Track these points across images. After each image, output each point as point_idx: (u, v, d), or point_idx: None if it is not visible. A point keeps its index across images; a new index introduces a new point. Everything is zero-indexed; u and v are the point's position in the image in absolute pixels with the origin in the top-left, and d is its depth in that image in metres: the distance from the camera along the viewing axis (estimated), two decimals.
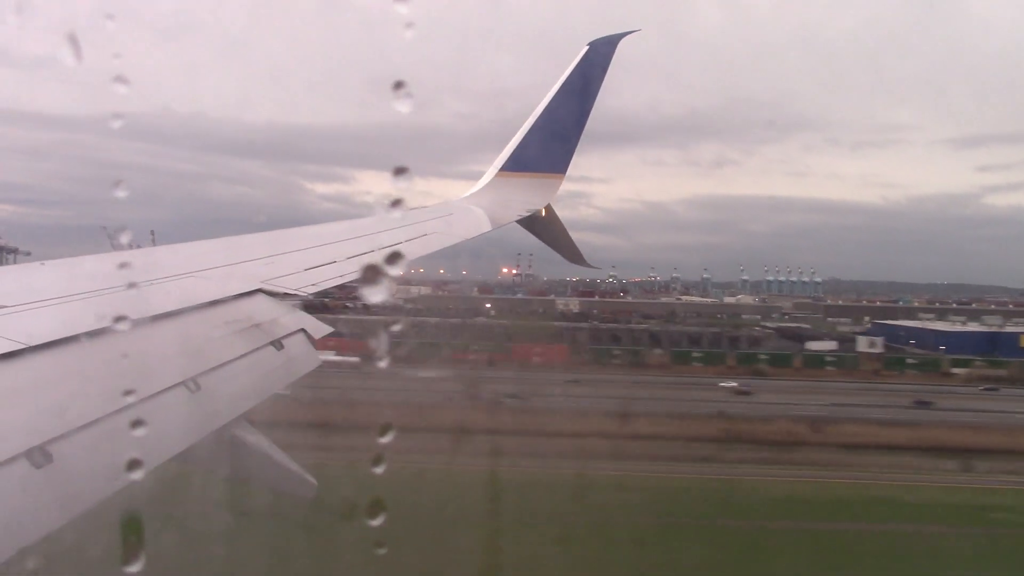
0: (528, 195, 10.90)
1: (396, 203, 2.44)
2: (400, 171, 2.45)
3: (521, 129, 11.18)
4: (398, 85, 2.45)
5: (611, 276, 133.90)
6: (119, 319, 3.65)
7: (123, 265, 4.27)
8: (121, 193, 3.04)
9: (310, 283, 5.73)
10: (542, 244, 11.60)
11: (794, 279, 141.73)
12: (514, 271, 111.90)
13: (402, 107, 2.45)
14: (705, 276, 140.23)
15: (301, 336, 5.00)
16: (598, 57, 11.13)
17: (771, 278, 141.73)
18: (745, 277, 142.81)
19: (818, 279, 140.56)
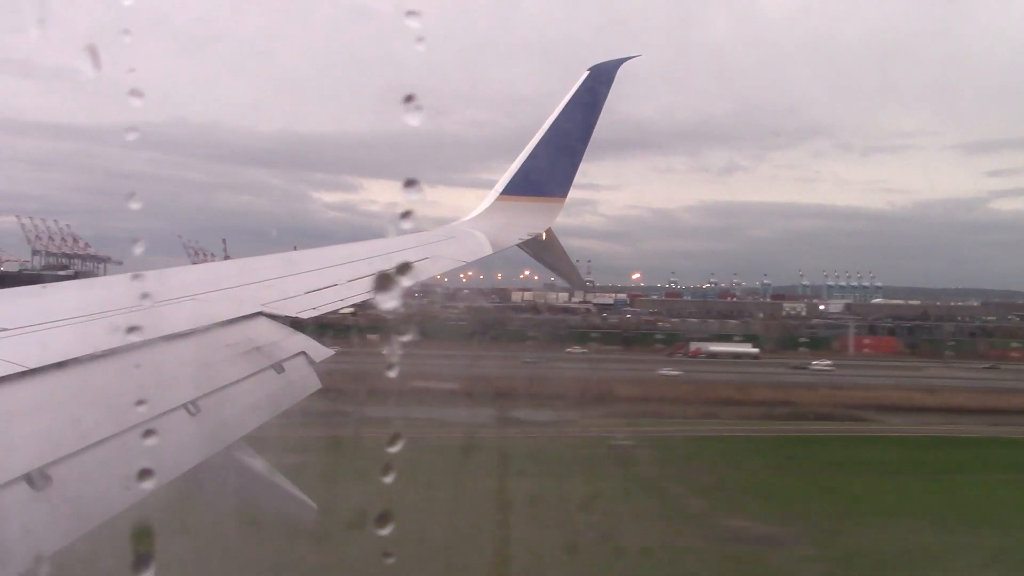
0: (529, 219, 10.95)
1: (406, 215, 2.45)
2: (410, 183, 2.46)
3: (522, 153, 11.25)
4: (408, 99, 2.46)
5: (671, 282, 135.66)
6: (120, 342, 3.66)
7: (125, 287, 4.28)
8: (135, 205, 3.05)
9: (311, 306, 5.75)
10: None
11: (854, 284, 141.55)
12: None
13: (412, 120, 2.46)
14: (766, 282, 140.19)
15: (302, 359, 5.01)
16: (598, 82, 11.22)
17: (831, 283, 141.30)
18: (806, 282, 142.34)
19: (878, 283, 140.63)
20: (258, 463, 4.52)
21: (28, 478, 2.76)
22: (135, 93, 2.84)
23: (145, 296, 4.36)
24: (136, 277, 4.41)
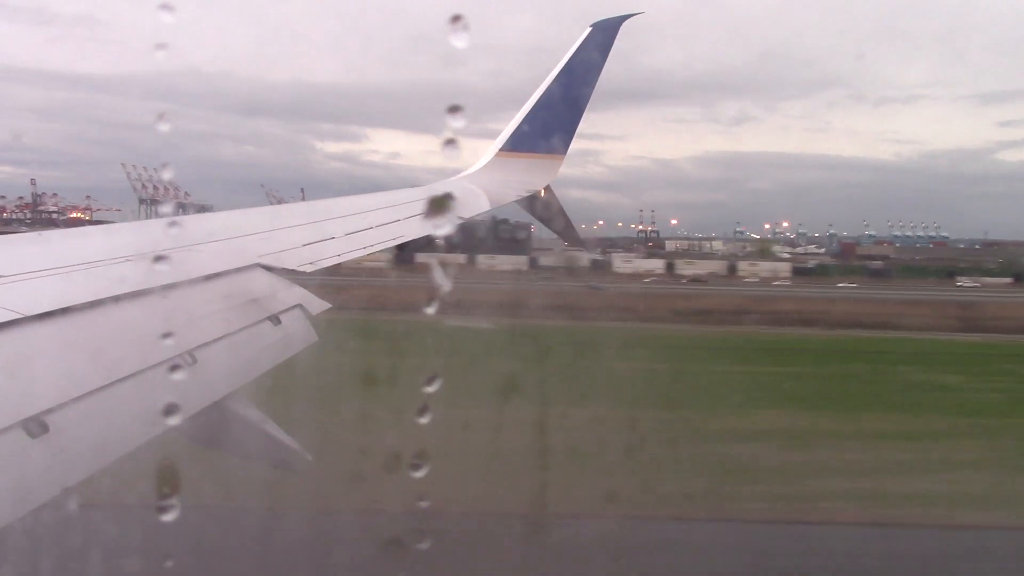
0: (528, 176, 10.90)
1: (450, 142, 2.49)
2: (455, 109, 2.46)
3: (522, 109, 11.15)
4: (455, 18, 2.44)
5: (737, 231, 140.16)
6: (115, 291, 3.65)
7: (124, 236, 4.27)
8: (164, 127, 3.02)
9: (308, 260, 5.75)
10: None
11: (919, 233, 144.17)
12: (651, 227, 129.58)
13: (459, 42, 2.41)
14: (869, 233, 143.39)
15: (298, 311, 5.02)
16: (601, 38, 11.07)
17: (896, 232, 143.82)
18: (871, 232, 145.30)
19: (944, 233, 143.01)
20: (253, 413, 4.55)
21: (25, 425, 2.79)
22: (160, 45, 2.80)
23: (144, 246, 4.36)
24: (136, 227, 4.40)
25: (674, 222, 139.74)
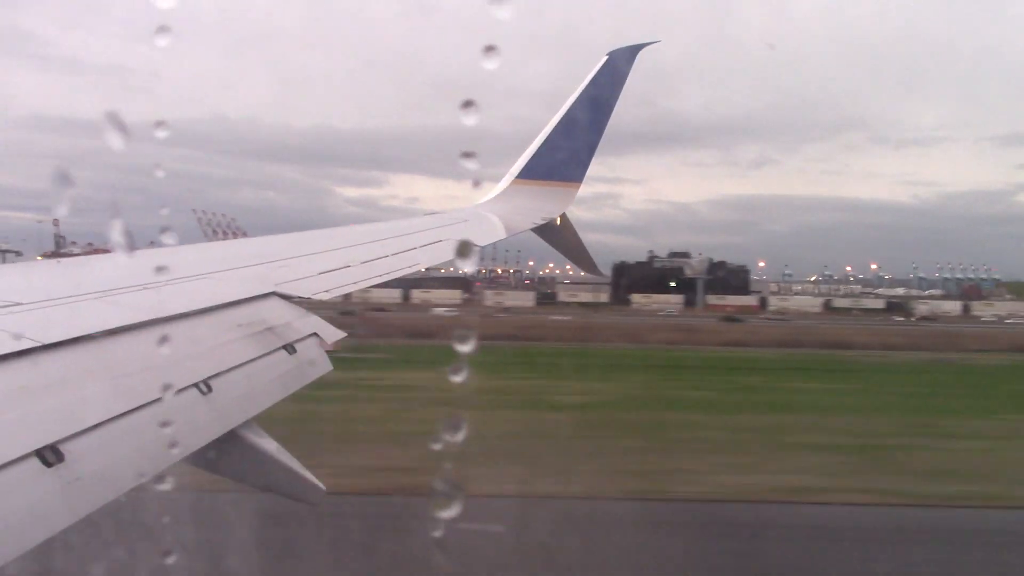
0: (543, 203, 10.89)
1: (468, 154, 2.54)
2: (468, 155, 2.52)
3: (538, 137, 11.18)
4: (467, 104, 2.50)
5: (786, 274, 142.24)
6: (132, 319, 3.65)
7: (140, 264, 4.27)
8: (160, 173, 3.07)
9: (323, 288, 5.74)
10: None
11: (971, 276, 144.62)
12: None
13: (469, 120, 2.49)
14: (920, 275, 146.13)
15: (313, 340, 5.00)
16: (617, 67, 11.12)
17: (947, 275, 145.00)
18: (922, 275, 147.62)
19: (996, 275, 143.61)
20: (269, 443, 4.52)
21: (40, 454, 2.77)
22: (160, 125, 2.86)
23: (160, 272, 4.36)
24: (151, 254, 4.41)
25: (761, 264, 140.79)
